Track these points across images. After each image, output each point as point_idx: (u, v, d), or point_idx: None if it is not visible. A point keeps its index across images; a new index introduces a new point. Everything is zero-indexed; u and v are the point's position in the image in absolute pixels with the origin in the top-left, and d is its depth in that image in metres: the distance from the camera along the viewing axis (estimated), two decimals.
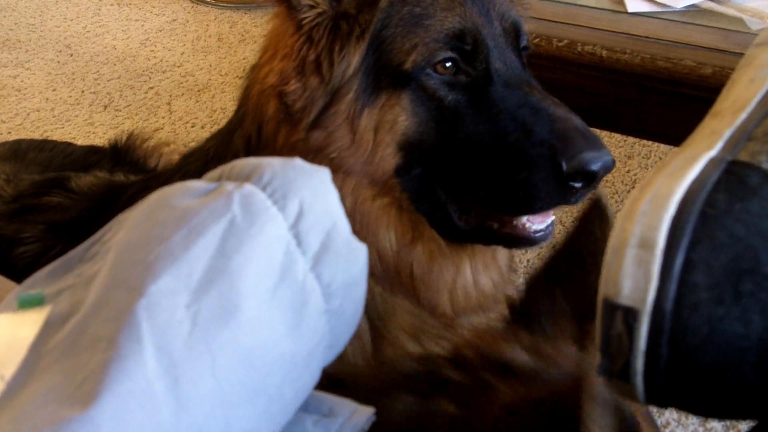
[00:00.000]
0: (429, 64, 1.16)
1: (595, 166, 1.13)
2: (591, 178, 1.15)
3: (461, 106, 1.18)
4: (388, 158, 1.18)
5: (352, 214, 1.15)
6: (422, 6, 1.17)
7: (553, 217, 1.25)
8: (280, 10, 1.19)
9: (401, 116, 1.16)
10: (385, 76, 1.16)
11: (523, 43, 1.27)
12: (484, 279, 1.33)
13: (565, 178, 1.14)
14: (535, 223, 1.23)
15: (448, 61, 1.17)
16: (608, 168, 1.14)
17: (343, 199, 1.14)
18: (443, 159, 1.19)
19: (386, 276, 1.23)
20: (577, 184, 1.15)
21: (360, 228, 1.20)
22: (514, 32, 1.25)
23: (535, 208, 1.19)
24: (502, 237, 1.24)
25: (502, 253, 1.36)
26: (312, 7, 1.15)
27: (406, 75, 1.16)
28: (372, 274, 1.18)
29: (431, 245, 1.25)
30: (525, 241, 1.24)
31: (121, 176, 1.63)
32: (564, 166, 1.13)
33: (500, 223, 1.23)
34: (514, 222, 1.23)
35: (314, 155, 1.16)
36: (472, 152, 1.18)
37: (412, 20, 1.16)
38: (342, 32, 1.15)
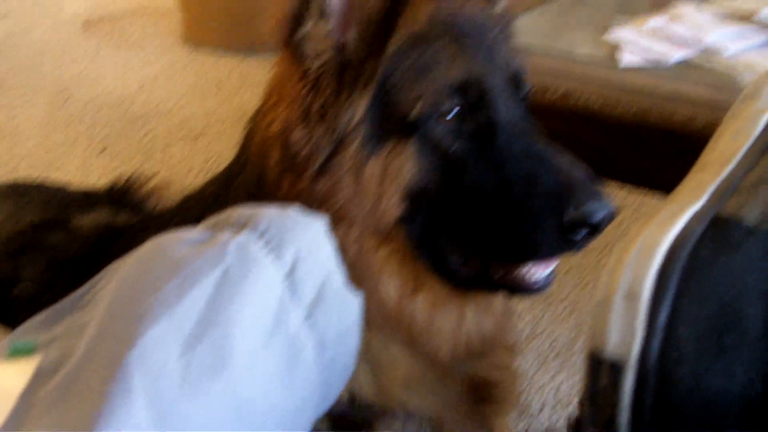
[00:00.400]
0: (435, 113, 1.16)
1: (598, 217, 1.14)
2: (594, 228, 1.15)
3: (466, 155, 1.18)
4: (393, 207, 1.18)
5: (355, 264, 1.16)
6: (427, 56, 1.17)
7: (554, 266, 1.25)
8: (285, 57, 1.19)
9: (407, 165, 1.17)
10: (391, 124, 1.16)
11: (525, 91, 1.28)
12: (484, 325, 1.33)
13: (570, 228, 1.14)
14: (538, 272, 1.24)
15: (453, 111, 1.18)
16: (611, 218, 1.15)
17: (346, 248, 1.15)
18: (448, 207, 1.19)
19: (387, 324, 1.23)
20: (581, 234, 1.16)
21: (363, 277, 1.19)
22: (516, 81, 1.25)
23: (540, 256, 1.20)
24: (504, 285, 1.25)
25: (499, 298, 1.37)
26: (318, 55, 1.15)
27: (411, 124, 1.16)
28: (373, 323, 1.19)
29: (433, 294, 1.25)
30: (526, 289, 1.25)
31: (124, 217, 1.63)
32: (569, 217, 1.13)
33: (503, 271, 1.24)
34: (517, 270, 1.24)
35: (319, 204, 1.16)
36: (477, 201, 1.18)
37: (418, 70, 1.17)
38: (347, 80, 1.15)
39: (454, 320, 1.28)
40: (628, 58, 1.60)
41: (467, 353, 1.31)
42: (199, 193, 1.36)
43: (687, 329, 0.72)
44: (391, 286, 1.22)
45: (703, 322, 0.73)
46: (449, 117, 1.17)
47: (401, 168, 1.16)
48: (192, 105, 3.48)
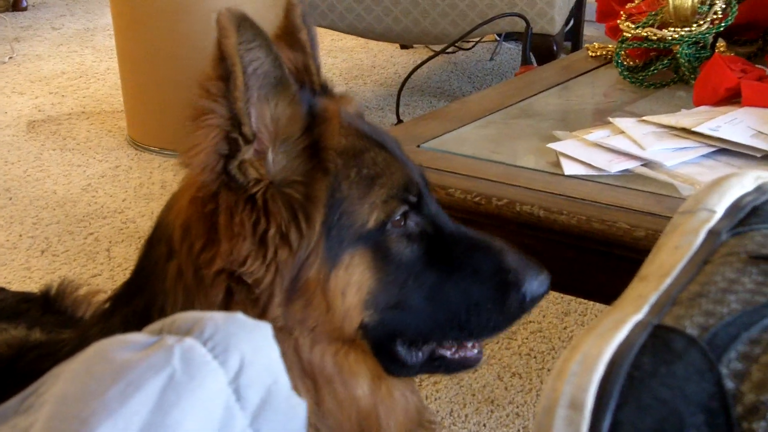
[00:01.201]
0: (389, 219, 1.19)
1: (544, 288, 1.24)
2: (542, 298, 1.25)
3: (420, 255, 1.22)
4: (356, 316, 1.19)
5: (333, 378, 1.21)
6: (368, 167, 1.20)
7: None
8: (216, 192, 1.15)
9: (366, 274, 1.18)
10: (347, 236, 1.17)
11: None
12: (416, 398, 1.37)
13: (527, 302, 1.24)
14: (475, 348, 1.31)
15: (401, 215, 1.21)
16: (549, 286, 1.26)
17: (325, 366, 1.19)
18: (406, 307, 1.22)
19: (359, 422, 1.25)
20: (534, 305, 1.25)
21: (341, 385, 1.22)
22: (425, 179, 1.30)
23: (501, 331, 1.28)
24: (451, 363, 1.30)
25: None
26: (259, 180, 1.14)
27: (367, 233, 1.18)
28: (342, 426, 1.22)
29: (388, 380, 1.29)
30: (470, 363, 1.32)
31: (38, 333, 1.59)
32: (527, 294, 1.23)
33: (454, 349, 1.29)
34: (467, 346, 1.29)
35: (291, 331, 1.17)
36: (436, 295, 1.23)
37: (365, 181, 1.19)
38: (296, 199, 1.15)
39: (402, 404, 1.32)
40: (571, 167, 1.63)
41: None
42: (102, 320, 1.31)
43: None
44: (364, 383, 1.25)
45: (645, 431, 0.74)
46: (398, 221, 1.20)
47: (362, 278, 1.18)
48: (136, 206, 3.47)
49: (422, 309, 1.23)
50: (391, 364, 1.26)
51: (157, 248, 1.25)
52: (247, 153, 1.13)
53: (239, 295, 1.16)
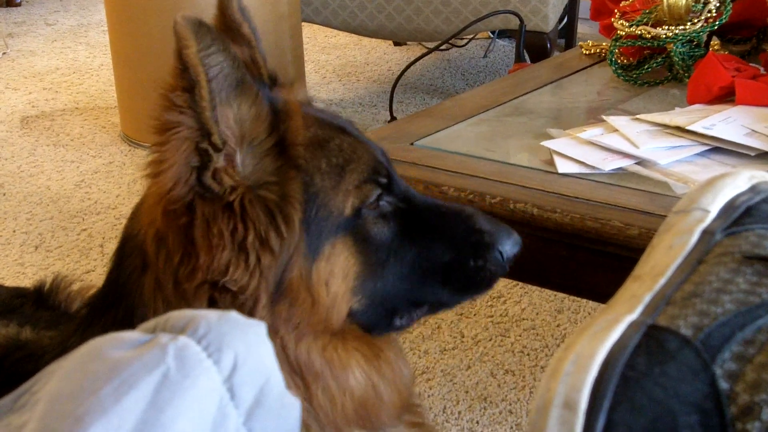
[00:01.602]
0: (365, 204, 1.20)
1: (518, 248, 1.29)
2: (516, 257, 1.29)
3: (398, 232, 1.23)
4: (344, 305, 1.20)
5: (323, 373, 1.20)
6: (336, 155, 1.20)
7: None
8: (191, 204, 1.13)
9: (350, 260, 1.19)
10: (325, 228, 1.17)
11: None
12: (408, 368, 1.38)
13: (504, 261, 1.27)
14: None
15: (375, 196, 1.22)
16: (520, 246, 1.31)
17: (313, 362, 1.19)
18: (392, 283, 1.23)
19: (356, 412, 1.25)
20: (509, 262, 1.29)
21: (332, 380, 1.22)
22: (387, 158, 1.31)
23: (483, 291, 1.32)
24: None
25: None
26: (235, 187, 1.12)
27: (345, 221, 1.18)
28: (344, 417, 1.23)
29: (387, 350, 1.30)
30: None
31: (28, 332, 1.58)
32: (504, 254, 1.27)
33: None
34: None
35: (276, 331, 1.16)
36: (419, 266, 1.25)
37: (336, 169, 1.19)
38: (272, 200, 1.14)
39: (399, 369, 1.34)
40: (565, 165, 1.64)
41: (400, 410, 1.35)
42: (79, 329, 1.30)
43: None
44: (358, 374, 1.25)
45: (639, 431, 0.74)
46: (373, 203, 1.21)
47: (346, 265, 1.18)
48: (130, 202, 3.47)
49: (408, 282, 1.25)
50: (388, 331, 1.28)
51: (129, 260, 1.23)
52: (219, 161, 1.11)
53: (223, 303, 1.14)
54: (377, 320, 1.25)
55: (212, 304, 1.15)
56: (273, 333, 1.15)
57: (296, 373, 1.19)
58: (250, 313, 1.14)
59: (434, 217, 1.28)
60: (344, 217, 1.18)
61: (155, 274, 1.17)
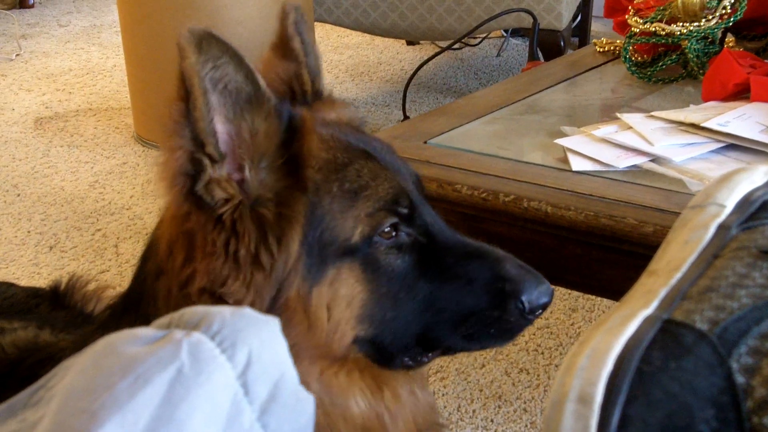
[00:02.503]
0: (377, 232, 1.17)
1: (546, 299, 1.22)
2: (544, 309, 1.23)
3: (412, 265, 1.20)
4: (348, 332, 1.18)
5: (321, 398, 1.16)
6: (350, 180, 1.18)
7: None
8: (187, 211, 1.14)
9: (357, 288, 1.16)
10: (330, 252, 1.16)
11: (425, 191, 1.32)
12: (426, 394, 1.35)
13: (527, 313, 1.21)
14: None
15: (390, 226, 1.19)
16: (553, 296, 1.24)
17: (309, 386, 1.15)
18: (401, 318, 1.21)
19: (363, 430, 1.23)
20: (535, 315, 1.22)
21: (331, 405, 1.20)
22: (420, 186, 1.29)
23: (501, 343, 1.27)
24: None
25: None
26: (228, 200, 1.12)
27: (353, 247, 1.16)
28: None
29: (393, 383, 1.27)
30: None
31: (47, 334, 1.59)
32: (526, 305, 1.20)
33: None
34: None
35: None
36: (431, 306, 1.21)
37: (348, 194, 1.17)
38: (269, 219, 1.14)
39: (411, 403, 1.30)
40: (579, 163, 1.63)
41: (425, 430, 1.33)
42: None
43: None
44: (360, 399, 1.23)
45: (654, 427, 0.74)
46: (387, 233, 1.18)
47: (352, 292, 1.16)
48: (144, 203, 3.48)
49: (418, 320, 1.21)
50: (396, 366, 1.25)
51: (148, 264, 1.24)
52: (215, 172, 1.11)
53: None
54: (384, 352, 1.22)
55: None
56: None
57: None
58: None
59: (457, 255, 1.23)
60: (352, 244, 1.16)
61: (168, 280, 1.18)
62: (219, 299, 1.13)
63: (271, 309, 1.14)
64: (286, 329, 1.14)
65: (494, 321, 1.21)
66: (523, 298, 1.20)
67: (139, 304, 1.23)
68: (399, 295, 1.20)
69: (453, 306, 1.22)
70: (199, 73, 1.05)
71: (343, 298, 1.16)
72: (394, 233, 1.19)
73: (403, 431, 1.28)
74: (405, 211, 1.20)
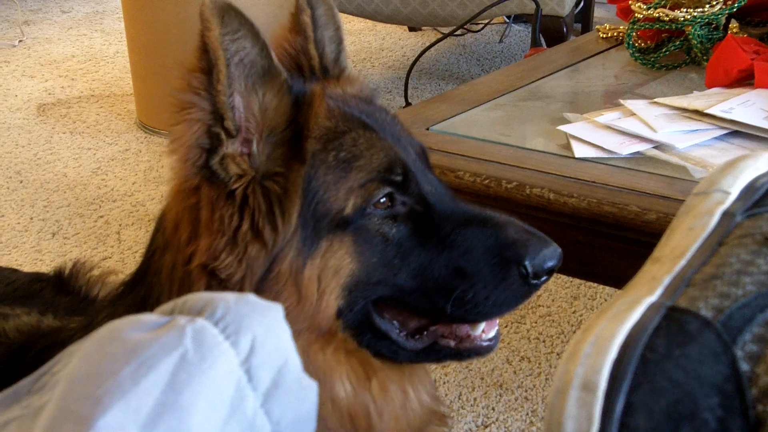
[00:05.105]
0: (369, 203, 1.16)
1: (553, 262, 1.19)
2: (551, 273, 1.20)
3: (407, 235, 1.19)
4: (332, 303, 1.16)
5: (307, 371, 1.14)
6: (345, 150, 1.18)
7: (497, 323, 1.28)
8: (197, 186, 1.14)
9: (346, 259, 1.15)
10: (324, 224, 1.15)
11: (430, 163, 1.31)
12: (423, 396, 1.33)
13: (531, 278, 1.18)
14: (488, 332, 1.26)
15: (385, 196, 1.18)
16: (562, 258, 1.20)
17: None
18: (393, 289, 1.20)
19: (342, 423, 1.22)
20: (541, 280, 1.20)
21: (318, 384, 1.19)
22: (424, 156, 1.28)
23: (505, 311, 1.22)
24: (458, 352, 1.26)
25: (427, 366, 1.38)
26: (241, 175, 1.12)
27: (346, 219, 1.16)
28: (326, 426, 1.19)
29: (382, 375, 1.25)
30: (480, 351, 1.28)
31: (50, 319, 1.59)
32: (529, 269, 1.18)
33: (457, 339, 1.25)
34: (472, 335, 1.25)
35: None
36: (428, 275, 1.20)
37: (341, 165, 1.16)
38: (275, 193, 1.14)
39: (401, 398, 1.28)
40: (582, 150, 1.63)
41: (415, 428, 1.31)
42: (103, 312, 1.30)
43: (643, 420, 0.73)
44: (345, 382, 1.21)
45: (659, 414, 0.74)
46: (382, 203, 1.17)
47: (341, 263, 1.16)
48: (146, 189, 3.48)
49: (412, 288, 1.20)
50: (386, 352, 1.24)
51: (156, 238, 1.24)
52: (230, 147, 1.11)
53: (214, 290, 1.13)
54: (366, 327, 1.21)
55: (208, 289, 1.13)
56: None
57: None
58: None
59: (455, 223, 1.21)
60: (345, 215, 1.15)
61: (173, 254, 1.18)
62: (211, 274, 1.13)
63: (261, 282, 1.13)
64: (278, 301, 1.13)
65: (493, 289, 1.19)
66: (526, 263, 1.17)
67: (144, 279, 1.23)
68: (391, 264, 1.19)
69: (449, 274, 1.19)
70: (223, 45, 1.06)
71: (331, 269, 1.15)
72: (389, 203, 1.18)
73: (391, 428, 1.26)
74: (399, 179, 1.19)
